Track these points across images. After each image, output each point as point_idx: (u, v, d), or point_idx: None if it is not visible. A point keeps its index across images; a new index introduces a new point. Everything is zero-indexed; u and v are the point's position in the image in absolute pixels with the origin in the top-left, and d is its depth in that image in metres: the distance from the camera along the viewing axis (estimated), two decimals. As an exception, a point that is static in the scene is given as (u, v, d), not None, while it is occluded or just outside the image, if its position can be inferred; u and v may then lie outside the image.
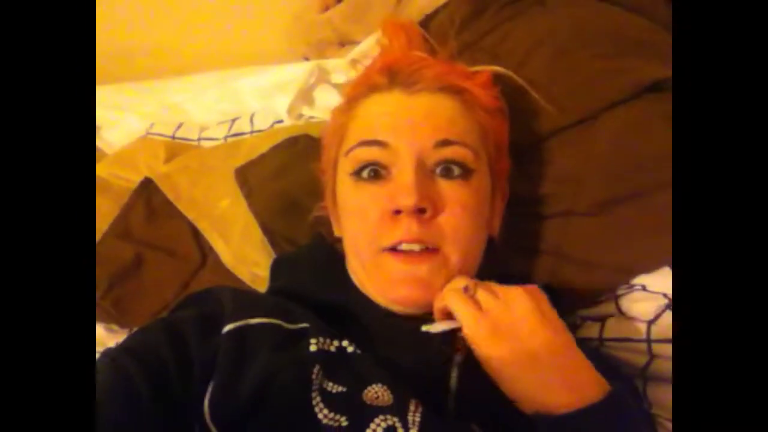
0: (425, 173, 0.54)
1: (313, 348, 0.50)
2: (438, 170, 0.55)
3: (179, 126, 0.98)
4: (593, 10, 0.72)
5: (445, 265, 0.54)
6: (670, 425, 0.58)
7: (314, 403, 0.47)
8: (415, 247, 0.53)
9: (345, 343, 0.52)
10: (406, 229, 0.52)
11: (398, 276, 0.54)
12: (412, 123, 0.56)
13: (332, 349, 0.51)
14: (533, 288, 0.52)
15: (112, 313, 0.77)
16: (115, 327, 0.79)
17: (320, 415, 0.46)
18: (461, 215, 0.54)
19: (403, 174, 0.54)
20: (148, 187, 0.85)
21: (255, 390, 0.48)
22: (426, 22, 0.78)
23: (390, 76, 0.59)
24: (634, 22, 0.70)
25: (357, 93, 0.62)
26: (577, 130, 0.68)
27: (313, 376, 0.48)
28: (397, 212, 0.53)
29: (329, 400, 0.47)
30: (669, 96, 0.65)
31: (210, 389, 0.48)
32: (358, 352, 0.51)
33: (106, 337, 0.78)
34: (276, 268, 0.68)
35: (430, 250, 0.54)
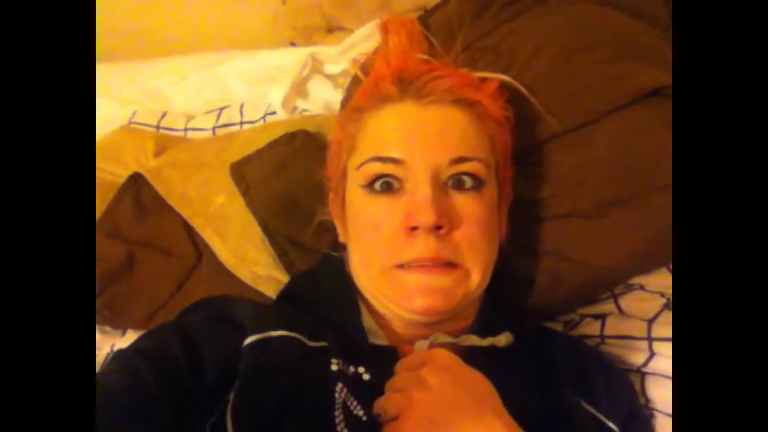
0: (439, 188, 0.54)
1: (334, 367, 0.51)
2: (450, 182, 0.55)
3: (164, 115, 0.94)
4: (595, 13, 0.72)
5: (467, 279, 0.55)
6: (666, 420, 0.62)
7: (337, 422, 0.48)
8: (431, 263, 0.53)
9: (361, 369, 0.52)
10: (425, 246, 0.52)
11: (414, 287, 0.53)
12: (426, 139, 0.55)
13: (349, 373, 0.52)
14: (440, 357, 0.49)
15: (106, 315, 0.75)
16: (109, 329, 0.77)
17: None
18: (476, 229, 0.55)
19: (420, 190, 0.53)
20: (136, 181, 0.81)
21: (279, 403, 0.48)
22: (425, 20, 0.77)
23: (401, 86, 0.58)
24: (636, 27, 0.71)
25: (366, 103, 0.60)
26: (578, 133, 0.69)
27: (336, 395, 0.49)
28: (413, 228, 0.53)
29: (352, 424, 0.48)
30: (668, 102, 0.67)
31: (232, 401, 0.48)
32: (373, 381, 0.51)
33: (101, 340, 0.76)
34: (292, 284, 0.67)
35: (449, 265, 0.54)
